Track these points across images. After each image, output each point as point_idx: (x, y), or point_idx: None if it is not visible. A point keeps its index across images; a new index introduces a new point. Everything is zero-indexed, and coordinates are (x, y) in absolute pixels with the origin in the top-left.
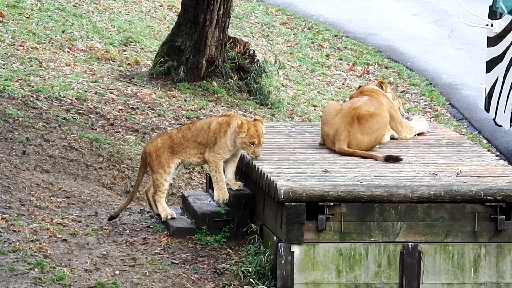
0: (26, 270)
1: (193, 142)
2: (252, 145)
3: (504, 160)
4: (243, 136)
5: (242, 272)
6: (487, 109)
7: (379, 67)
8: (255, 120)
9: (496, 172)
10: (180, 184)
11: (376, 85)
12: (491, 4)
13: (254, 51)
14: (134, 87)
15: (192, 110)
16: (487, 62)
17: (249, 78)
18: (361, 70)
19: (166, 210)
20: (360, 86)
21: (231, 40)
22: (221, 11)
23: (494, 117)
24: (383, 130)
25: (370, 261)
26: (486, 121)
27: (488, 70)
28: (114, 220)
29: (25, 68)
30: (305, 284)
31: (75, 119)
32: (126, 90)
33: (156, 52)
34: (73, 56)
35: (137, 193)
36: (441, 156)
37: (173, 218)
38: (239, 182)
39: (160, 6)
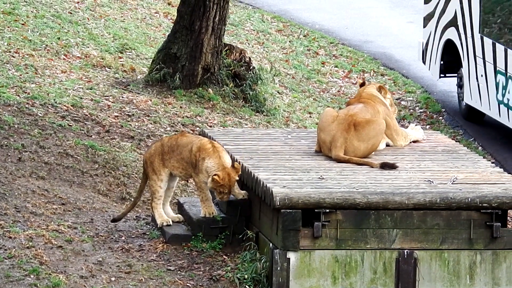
0: (21, 276)
1: (177, 155)
2: (221, 193)
3: (500, 168)
4: (215, 182)
5: (238, 279)
6: (424, 61)
7: (374, 74)
8: (233, 166)
9: (491, 179)
10: (176, 191)
11: (377, 89)
12: None
13: (249, 58)
14: (130, 94)
15: (187, 117)
16: (424, 18)
17: (244, 85)
18: (357, 77)
19: (162, 216)
20: (363, 83)
21: (226, 47)
22: (217, 18)
23: (428, 68)
24: (380, 137)
25: (366, 268)
26: (482, 128)
27: (424, 25)
28: (109, 227)
29: (20, 75)
30: None
31: (70, 126)
32: (122, 97)
33: (151, 59)
34: (68, 63)
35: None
36: (437, 163)
37: (169, 225)
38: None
39: (155, 13)
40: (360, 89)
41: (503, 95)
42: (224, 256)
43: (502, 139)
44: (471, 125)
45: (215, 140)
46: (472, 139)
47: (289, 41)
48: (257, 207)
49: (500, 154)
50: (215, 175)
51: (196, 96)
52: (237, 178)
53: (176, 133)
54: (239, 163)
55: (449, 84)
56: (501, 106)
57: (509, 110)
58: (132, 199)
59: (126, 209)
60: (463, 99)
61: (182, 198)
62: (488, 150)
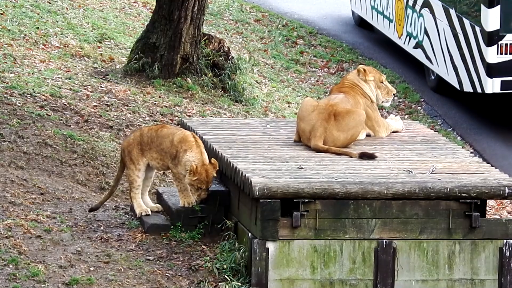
0: (0, 266)
1: (156, 146)
2: (199, 189)
3: (479, 158)
4: (194, 179)
5: (216, 268)
6: None
7: (353, 64)
8: (211, 162)
9: (470, 169)
10: (155, 180)
11: (356, 73)
12: None
13: (228, 48)
14: (109, 83)
15: (166, 107)
16: None
17: (223, 75)
18: (336, 67)
19: (141, 206)
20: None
21: (205, 37)
22: (196, 8)
23: None
24: (359, 127)
25: (345, 258)
26: (461, 118)
27: None
28: (88, 217)
29: None
30: (279, 281)
31: (49, 115)
32: (101, 87)
33: (130, 49)
34: (47, 53)
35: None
36: (416, 153)
37: (147, 215)
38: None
39: (134, 2)
40: (344, 76)
41: (374, 1)
42: (203, 246)
43: (480, 129)
44: (450, 115)
45: (195, 131)
46: (451, 129)
47: (268, 31)
48: (236, 197)
49: (479, 144)
50: (193, 166)
51: (174, 85)
52: (215, 174)
53: (155, 122)
54: (218, 152)
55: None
56: (373, 11)
57: (378, 14)
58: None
59: (103, 198)
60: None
61: (161, 188)
62: (467, 140)
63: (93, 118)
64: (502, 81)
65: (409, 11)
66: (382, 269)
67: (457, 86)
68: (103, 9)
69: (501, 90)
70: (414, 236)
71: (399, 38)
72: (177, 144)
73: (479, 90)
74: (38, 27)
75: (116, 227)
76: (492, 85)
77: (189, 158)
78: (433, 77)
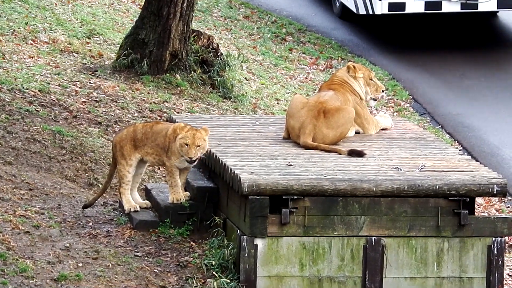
0: None
1: (151, 142)
2: (186, 146)
3: (468, 155)
4: (180, 138)
5: (205, 265)
6: None
7: (342, 61)
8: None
9: (459, 167)
10: (144, 177)
11: (346, 70)
12: None
13: (217, 44)
14: (97, 79)
15: (155, 103)
16: None
17: (212, 71)
18: (324, 64)
19: (130, 202)
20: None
21: (194, 33)
22: (185, 4)
23: None
24: (349, 125)
25: (334, 255)
26: (449, 115)
27: None
28: (77, 213)
29: None
30: (268, 278)
31: (38, 111)
32: (89, 83)
33: (119, 45)
34: (36, 48)
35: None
36: (405, 151)
37: (136, 211)
38: (187, 193)
39: None
40: (333, 73)
41: None
42: (191, 243)
43: (468, 127)
44: (438, 112)
45: None
46: (439, 126)
47: (257, 28)
48: (224, 194)
49: (467, 141)
50: (182, 126)
51: (163, 82)
52: (205, 137)
53: (144, 119)
54: (208, 149)
55: (417, 71)
56: None
57: None
58: (100, 185)
59: (97, 194)
60: None
61: (149, 184)
62: (456, 137)
63: (81, 114)
64: (389, 3)
65: None
66: (370, 266)
67: (354, 10)
68: (92, 4)
69: (388, 11)
70: (403, 233)
71: None
72: (170, 135)
73: (370, 12)
74: (27, 23)
75: (105, 223)
76: (381, 7)
77: (178, 140)
78: (338, 5)
